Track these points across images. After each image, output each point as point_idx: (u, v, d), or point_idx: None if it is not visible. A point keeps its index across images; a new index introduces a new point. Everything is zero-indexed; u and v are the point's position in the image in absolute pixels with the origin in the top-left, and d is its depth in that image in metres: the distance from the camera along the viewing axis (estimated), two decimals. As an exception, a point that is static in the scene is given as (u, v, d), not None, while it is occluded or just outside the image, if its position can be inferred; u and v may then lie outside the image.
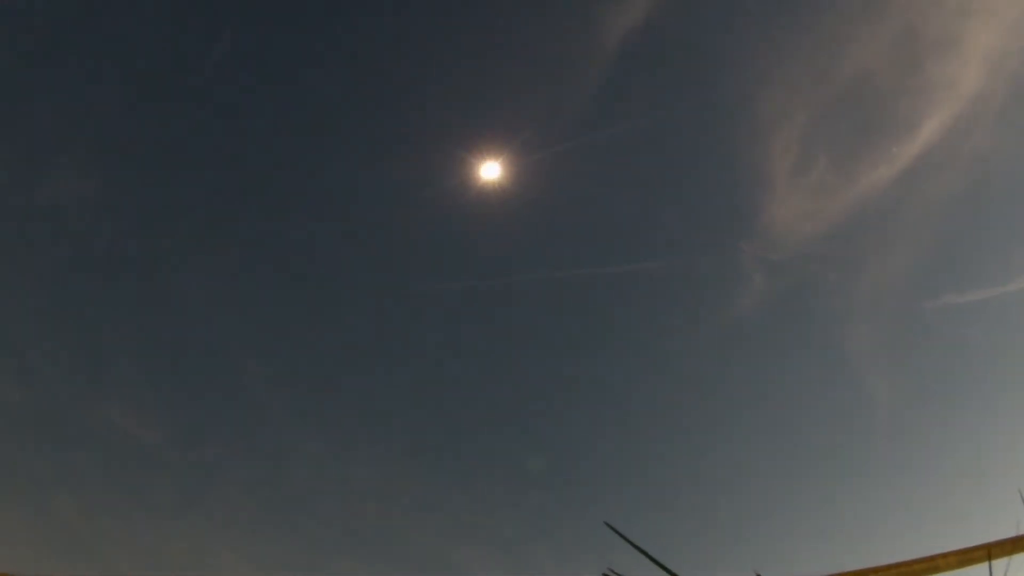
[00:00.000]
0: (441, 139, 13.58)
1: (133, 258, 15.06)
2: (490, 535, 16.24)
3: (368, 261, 15.51)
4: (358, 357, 16.44)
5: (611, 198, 14.78)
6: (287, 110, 13.83)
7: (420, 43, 13.43)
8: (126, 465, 15.78)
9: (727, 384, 16.97)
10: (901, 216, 14.90)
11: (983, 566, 2.12)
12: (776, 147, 14.51)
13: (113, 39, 13.52)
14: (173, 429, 16.11)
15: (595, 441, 17.23)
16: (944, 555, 2.09)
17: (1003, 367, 15.39)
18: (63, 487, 15.22)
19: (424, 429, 17.02)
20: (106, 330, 15.40)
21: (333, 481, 16.64)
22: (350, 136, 14.20)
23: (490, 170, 13.52)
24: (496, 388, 17.08)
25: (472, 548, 16.18)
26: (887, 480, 16.40)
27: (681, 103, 14.15)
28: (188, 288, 15.26)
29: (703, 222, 15.63)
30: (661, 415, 17.28)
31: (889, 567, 2.05)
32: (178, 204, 14.96)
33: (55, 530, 14.71)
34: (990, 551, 2.11)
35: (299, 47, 13.26)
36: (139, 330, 15.53)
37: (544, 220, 14.76)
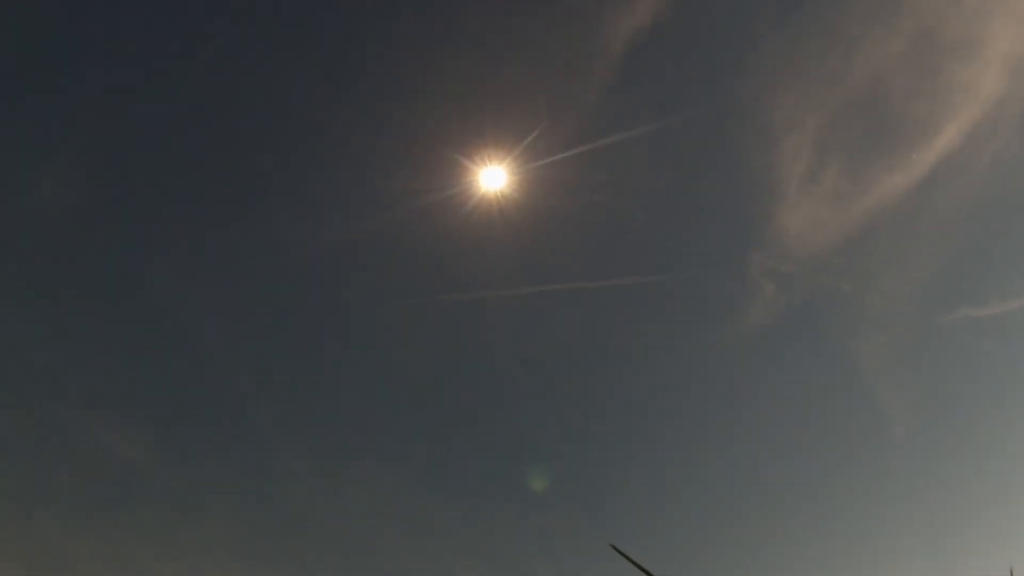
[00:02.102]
0: (440, 146, 13.08)
1: (121, 270, 14.72)
2: (490, 556, 15.82)
3: (364, 273, 15.04)
4: (352, 372, 15.98)
5: (615, 207, 14.35)
6: (281, 115, 13.41)
7: (418, 45, 12.97)
8: (111, 482, 15.41)
9: (736, 399, 16.54)
10: (917, 225, 14.58)
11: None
12: (787, 153, 14.13)
13: (102, 47, 13.19)
14: (160, 446, 15.65)
15: (599, 457, 16.75)
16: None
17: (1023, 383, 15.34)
18: (46, 504, 14.89)
19: (421, 446, 16.55)
20: (91, 343, 15.03)
21: (327, 500, 16.14)
22: (349, 143, 13.73)
23: (491, 178, 13.21)
24: (497, 403, 16.65)
25: (471, 570, 15.70)
26: (902, 499, 16.15)
27: (689, 108, 13.69)
28: (178, 301, 14.83)
29: (711, 231, 15.29)
30: (667, 430, 16.85)
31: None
32: (169, 215, 14.57)
33: (37, 548, 14.47)
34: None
35: (293, 48, 12.82)
36: (126, 344, 15.13)
37: (547, 230, 14.29)
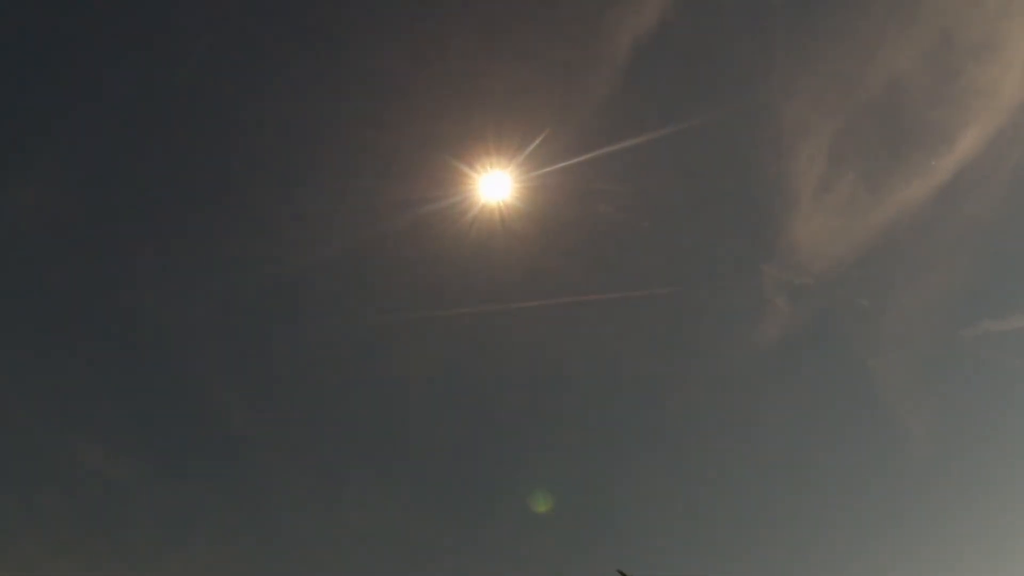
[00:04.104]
0: (439, 152, 12.72)
1: (106, 285, 14.37)
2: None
3: (360, 287, 14.64)
4: (347, 389, 15.65)
5: (622, 217, 13.94)
6: (271, 122, 13.04)
7: (414, 44, 12.60)
8: (98, 504, 15.21)
9: (748, 416, 16.11)
10: (936, 236, 14.38)
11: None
12: (801, 161, 13.78)
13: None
14: (148, 467, 15.35)
15: (606, 478, 16.36)
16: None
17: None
18: (30, 527, 14.67)
19: (420, 466, 16.18)
20: (75, 360, 14.69)
21: (324, 523, 15.86)
22: (342, 150, 13.34)
23: (493, 186, 12.90)
24: (500, 421, 16.19)
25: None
26: (924, 517, 15.97)
27: (697, 113, 13.25)
28: (166, 316, 14.49)
29: (721, 243, 14.88)
30: (677, 449, 16.42)
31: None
32: (156, 227, 14.21)
33: (23, 571, 14.21)
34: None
35: (283, 50, 12.45)
36: (112, 361, 14.87)
37: (551, 241, 13.95)
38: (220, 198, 13.88)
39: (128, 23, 12.57)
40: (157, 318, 14.44)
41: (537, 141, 12.50)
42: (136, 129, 13.28)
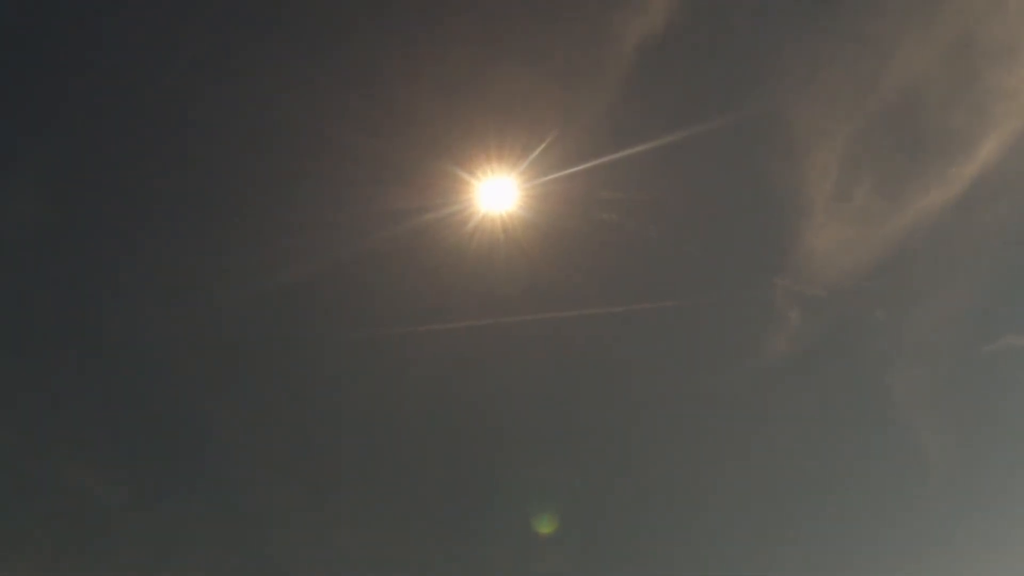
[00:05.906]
0: (437, 158, 12.47)
1: (88, 299, 14.07)
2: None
3: (353, 299, 14.42)
4: (340, 405, 15.47)
5: (628, 226, 13.64)
6: (253, 125, 12.75)
7: (409, 43, 12.36)
8: (84, 527, 15.18)
9: (758, 435, 15.84)
10: (956, 246, 14.19)
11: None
12: (814, 168, 13.56)
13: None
14: (136, 487, 15.30)
15: (610, 496, 16.15)
16: None
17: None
18: (14, 552, 14.64)
19: (418, 485, 15.92)
20: (59, 377, 14.46)
21: (316, 546, 15.78)
22: (330, 154, 13.07)
23: (494, 194, 12.71)
24: (501, 438, 15.86)
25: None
26: (942, 542, 15.73)
27: (706, 118, 12.97)
28: (151, 332, 14.23)
29: (731, 254, 14.65)
30: (683, 467, 16.05)
31: None
32: (141, 236, 14.00)
33: None
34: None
35: (269, 46, 12.21)
36: (95, 377, 14.60)
37: (555, 251, 13.61)
38: (209, 206, 13.68)
39: (117, 24, 12.38)
40: (143, 331, 14.27)
41: (541, 147, 12.30)
42: (122, 133, 13.04)
